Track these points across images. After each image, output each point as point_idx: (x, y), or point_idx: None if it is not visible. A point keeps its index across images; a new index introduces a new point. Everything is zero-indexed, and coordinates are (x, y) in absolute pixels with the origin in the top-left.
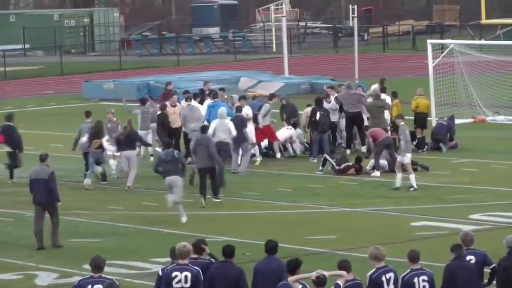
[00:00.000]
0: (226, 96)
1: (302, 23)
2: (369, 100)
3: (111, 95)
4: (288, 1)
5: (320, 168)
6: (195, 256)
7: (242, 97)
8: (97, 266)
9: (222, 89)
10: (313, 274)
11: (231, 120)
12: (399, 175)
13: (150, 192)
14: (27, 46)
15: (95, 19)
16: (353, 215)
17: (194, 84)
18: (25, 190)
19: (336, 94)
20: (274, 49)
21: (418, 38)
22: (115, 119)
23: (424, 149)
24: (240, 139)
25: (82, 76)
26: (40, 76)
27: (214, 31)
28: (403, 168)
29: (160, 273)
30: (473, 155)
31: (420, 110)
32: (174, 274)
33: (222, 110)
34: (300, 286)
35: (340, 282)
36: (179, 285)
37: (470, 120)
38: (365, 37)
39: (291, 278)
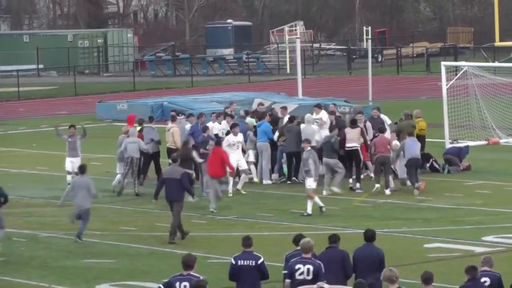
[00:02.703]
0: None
1: (316, 45)
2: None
3: (124, 116)
4: (302, 22)
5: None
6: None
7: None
8: (187, 264)
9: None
10: (314, 287)
11: (196, 143)
12: (310, 202)
13: (163, 213)
14: (40, 66)
15: (109, 40)
16: None
17: (208, 105)
18: (38, 210)
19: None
20: (288, 71)
21: (432, 60)
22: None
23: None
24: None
25: (95, 96)
26: (54, 96)
27: (228, 52)
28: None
29: (233, 261)
30: (486, 177)
31: (422, 133)
32: (297, 266)
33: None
34: None
35: None
36: (302, 277)
37: (483, 142)
38: (379, 59)
39: None
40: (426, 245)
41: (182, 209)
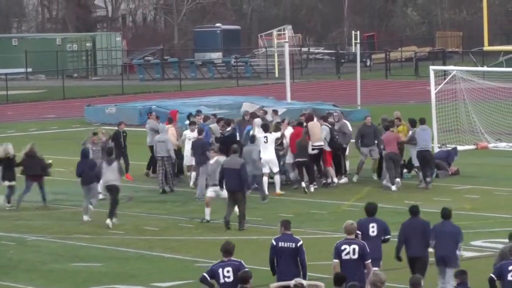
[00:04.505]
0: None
1: (304, 49)
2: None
3: (113, 120)
4: (290, 26)
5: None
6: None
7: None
8: (227, 250)
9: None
10: (292, 283)
11: (192, 145)
12: (207, 209)
13: (151, 217)
14: (29, 70)
15: (98, 43)
16: None
17: (196, 109)
18: (26, 213)
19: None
20: (277, 75)
21: (421, 65)
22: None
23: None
24: (202, 161)
25: (84, 100)
26: (42, 100)
27: (216, 56)
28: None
29: (274, 243)
30: (475, 182)
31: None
32: (343, 247)
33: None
34: None
35: None
36: (348, 256)
37: (472, 146)
38: (368, 63)
39: (272, 286)
40: None
41: (245, 198)
